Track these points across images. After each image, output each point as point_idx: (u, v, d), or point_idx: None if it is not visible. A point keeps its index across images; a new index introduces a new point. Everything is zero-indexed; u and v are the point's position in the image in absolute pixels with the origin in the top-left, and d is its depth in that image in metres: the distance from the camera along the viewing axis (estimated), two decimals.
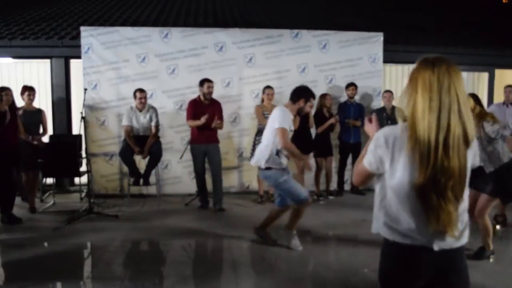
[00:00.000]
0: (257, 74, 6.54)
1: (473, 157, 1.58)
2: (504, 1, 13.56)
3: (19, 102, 5.52)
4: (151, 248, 4.53)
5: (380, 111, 6.61)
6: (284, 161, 3.97)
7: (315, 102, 5.08)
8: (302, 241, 4.21)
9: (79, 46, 6.34)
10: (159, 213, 5.55)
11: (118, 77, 6.36)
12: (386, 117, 6.51)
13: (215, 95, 5.78)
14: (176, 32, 6.47)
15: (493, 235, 3.96)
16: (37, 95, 5.90)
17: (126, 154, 5.77)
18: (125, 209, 5.67)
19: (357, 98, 6.62)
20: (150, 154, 5.81)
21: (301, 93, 4.02)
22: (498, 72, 7.77)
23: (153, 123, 5.89)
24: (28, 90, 5.69)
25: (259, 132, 5.96)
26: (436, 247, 1.53)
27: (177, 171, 6.48)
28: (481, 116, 3.73)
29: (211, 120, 5.42)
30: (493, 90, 7.77)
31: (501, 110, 6.03)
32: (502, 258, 3.93)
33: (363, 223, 5.07)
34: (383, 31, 6.85)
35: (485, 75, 7.86)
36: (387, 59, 6.96)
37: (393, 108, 6.59)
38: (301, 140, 5.31)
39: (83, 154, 5.81)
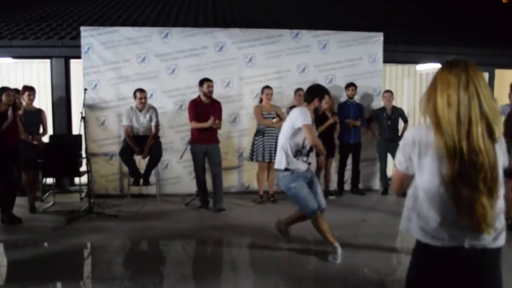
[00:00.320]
0: (257, 74, 6.54)
1: (502, 155, 1.57)
2: (504, 1, 13.56)
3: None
4: (151, 248, 4.53)
5: (380, 111, 6.62)
6: (302, 166, 3.83)
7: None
8: (302, 241, 4.21)
9: (79, 46, 6.34)
10: (159, 213, 5.55)
11: (118, 77, 6.36)
12: (386, 117, 6.52)
13: (215, 95, 5.78)
14: (176, 32, 6.47)
15: None
16: (37, 95, 5.90)
17: (126, 154, 5.77)
18: (125, 209, 5.67)
19: (357, 98, 6.62)
20: (150, 154, 5.81)
21: (314, 93, 3.92)
22: (498, 72, 7.77)
23: (153, 123, 5.89)
24: (28, 90, 5.69)
25: (258, 132, 5.98)
26: (467, 244, 1.52)
27: (177, 171, 6.48)
28: None
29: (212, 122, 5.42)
30: (493, 90, 7.76)
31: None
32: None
33: (363, 223, 5.08)
34: (383, 31, 6.85)
35: (485, 75, 7.86)
36: (387, 59, 6.96)
37: (393, 108, 6.60)
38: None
39: (83, 154, 5.81)
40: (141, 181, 5.83)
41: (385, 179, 6.70)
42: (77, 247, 4.36)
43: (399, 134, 6.63)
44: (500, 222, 1.55)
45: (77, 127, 6.16)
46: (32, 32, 7.04)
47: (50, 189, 6.30)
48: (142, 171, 5.86)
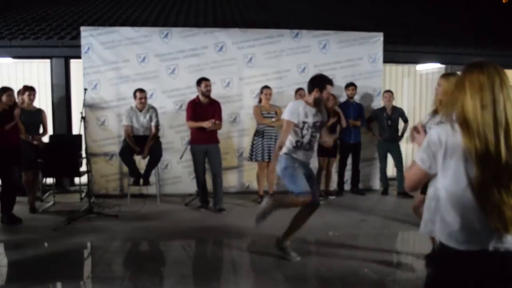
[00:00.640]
0: (257, 74, 6.54)
1: None
2: (504, 1, 13.56)
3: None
4: (151, 248, 4.53)
5: (380, 111, 6.62)
6: (302, 156, 3.81)
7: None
8: (302, 241, 4.20)
9: (79, 46, 6.33)
10: (159, 213, 5.55)
11: (118, 77, 6.36)
12: (386, 117, 6.52)
13: (215, 95, 5.78)
14: (176, 32, 6.47)
15: None
16: (37, 95, 5.90)
17: (126, 154, 5.77)
18: (125, 209, 5.67)
19: (357, 98, 6.63)
20: (150, 154, 5.80)
21: (315, 82, 3.84)
22: None
23: (153, 123, 5.89)
24: (29, 90, 5.69)
25: (257, 132, 5.98)
26: (491, 247, 1.51)
27: (177, 171, 6.48)
28: None
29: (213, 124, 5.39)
30: None
31: None
32: None
33: (363, 223, 5.08)
34: (383, 31, 6.85)
35: None
36: (387, 59, 6.95)
37: (393, 108, 6.60)
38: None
39: (83, 154, 5.81)
40: (141, 181, 5.83)
41: (385, 179, 6.70)
42: (77, 247, 4.35)
43: (399, 134, 6.63)
44: None
45: (77, 127, 6.16)
46: (32, 32, 7.04)
47: (50, 189, 6.30)
48: (142, 171, 5.85)
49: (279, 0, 10.95)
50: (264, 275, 3.64)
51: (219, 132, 5.77)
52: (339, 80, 6.65)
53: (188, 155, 5.77)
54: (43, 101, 6.76)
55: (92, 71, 6.32)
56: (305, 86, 6.09)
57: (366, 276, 3.54)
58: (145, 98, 5.89)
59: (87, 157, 5.58)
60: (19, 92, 5.75)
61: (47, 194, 6.31)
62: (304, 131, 3.78)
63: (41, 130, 5.82)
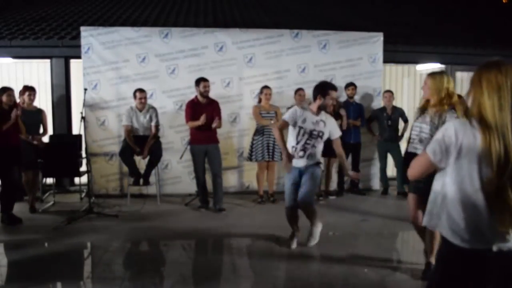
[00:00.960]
0: (257, 74, 6.54)
1: None
2: (504, 1, 13.56)
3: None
4: (151, 248, 4.53)
5: (380, 111, 6.62)
6: (295, 161, 3.97)
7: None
8: (302, 241, 4.20)
9: (79, 46, 6.33)
10: (159, 213, 5.55)
11: (118, 77, 6.36)
12: (386, 117, 6.51)
13: (215, 95, 5.77)
14: (176, 32, 6.47)
15: None
16: (37, 95, 5.90)
17: (126, 154, 5.77)
18: (125, 209, 5.67)
19: (357, 98, 6.63)
20: (150, 154, 5.80)
21: (317, 90, 4.00)
22: None
23: (153, 123, 5.89)
24: (29, 90, 5.69)
25: (257, 131, 5.98)
26: (495, 247, 1.51)
27: (177, 171, 6.48)
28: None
29: (210, 121, 5.40)
30: None
31: None
32: None
33: (363, 223, 5.08)
34: (383, 31, 6.85)
35: None
36: (387, 59, 6.95)
37: (394, 108, 6.60)
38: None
39: (83, 154, 5.81)
40: (141, 181, 5.83)
41: (385, 179, 6.70)
42: (77, 247, 4.36)
43: (399, 134, 6.63)
44: None
45: (77, 127, 6.16)
46: (32, 32, 7.04)
47: (50, 189, 6.29)
48: (142, 171, 5.86)
49: (279, 0, 10.95)
50: (263, 275, 3.64)
51: (219, 132, 5.77)
52: (339, 80, 6.65)
53: (188, 155, 5.77)
54: (43, 101, 6.76)
55: (92, 71, 6.32)
56: (305, 86, 6.18)
57: (366, 276, 3.54)
58: (145, 98, 5.89)
59: (87, 157, 5.58)
60: (20, 92, 5.76)
61: (47, 194, 6.31)
62: (299, 137, 3.98)
63: (41, 130, 5.81)
